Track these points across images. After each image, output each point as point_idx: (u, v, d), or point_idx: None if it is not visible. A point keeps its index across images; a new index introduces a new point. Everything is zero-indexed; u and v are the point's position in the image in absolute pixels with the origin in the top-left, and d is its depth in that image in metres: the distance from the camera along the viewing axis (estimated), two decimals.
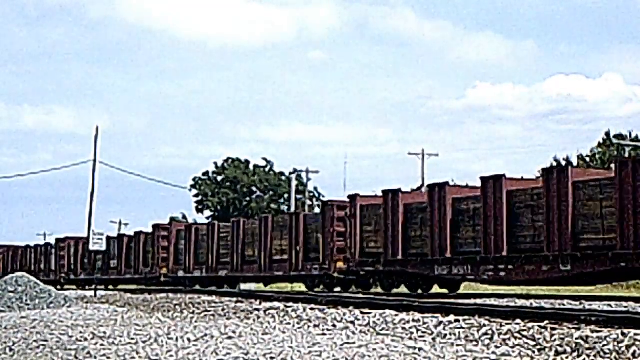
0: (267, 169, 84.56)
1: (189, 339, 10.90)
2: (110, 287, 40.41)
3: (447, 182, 23.67)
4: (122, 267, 41.46)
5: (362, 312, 12.99)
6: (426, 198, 23.52)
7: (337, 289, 27.92)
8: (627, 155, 55.61)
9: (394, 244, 24.27)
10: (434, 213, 22.91)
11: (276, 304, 16.22)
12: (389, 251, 24.44)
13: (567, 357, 8.15)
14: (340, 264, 26.99)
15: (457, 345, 9.19)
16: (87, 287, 40.09)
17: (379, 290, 26.06)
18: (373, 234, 25.44)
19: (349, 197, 26.83)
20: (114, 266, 42.31)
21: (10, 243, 57.06)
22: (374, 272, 25.61)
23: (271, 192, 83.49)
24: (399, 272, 24.51)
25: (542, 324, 9.90)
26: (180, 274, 36.50)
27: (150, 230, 39.73)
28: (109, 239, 43.47)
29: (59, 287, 44.30)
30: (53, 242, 49.18)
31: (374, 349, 8.95)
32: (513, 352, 8.52)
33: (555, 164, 64.99)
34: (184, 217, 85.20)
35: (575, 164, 63.73)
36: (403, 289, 25.02)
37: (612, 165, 19.26)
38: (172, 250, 37.51)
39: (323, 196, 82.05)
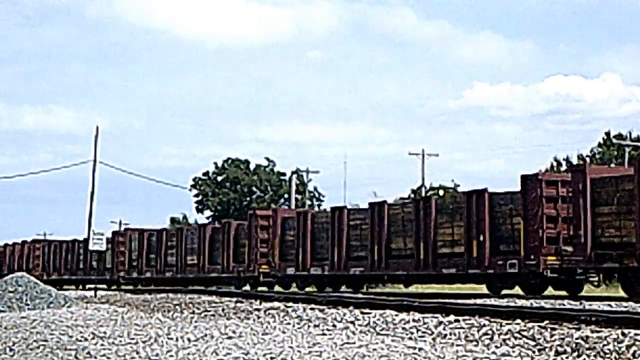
0: (267, 169, 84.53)
1: (189, 339, 10.90)
2: (180, 287, 32.32)
3: None
4: (205, 264, 35.33)
5: (362, 312, 13.00)
6: None
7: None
8: (627, 155, 55.62)
9: None
10: None
11: (276, 304, 16.22)
12: None
13: (567, 357, 8.15)
14: (551, 259, 21.17)
15: (457, 345, 9.19)
16: (155, 288, 32.73)
17: (588, 292, 21.50)
18: (613, 217, 19.62)
19: (571, 169, 20.58)
20: (192, 262, 36.38)
21: (53, 237, 51.17)
22: (619, 269, 19.75)
23: (271, 192, 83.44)
24: None
25: (542, 324, 9.91)
26: (290, 271, 30.56)
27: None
28: (183, 230, 38.67)
29: (114, 287, 38.41)
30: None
31: (374, 349, 8.95)
32: (513, 352, 8.52)
33: (555, 164, 65.06)
34: (184, 217, 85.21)
35: (575, 164, 63.75)
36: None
37: None
38: (276, 243, 31.33)
39: (323, 196, 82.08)
